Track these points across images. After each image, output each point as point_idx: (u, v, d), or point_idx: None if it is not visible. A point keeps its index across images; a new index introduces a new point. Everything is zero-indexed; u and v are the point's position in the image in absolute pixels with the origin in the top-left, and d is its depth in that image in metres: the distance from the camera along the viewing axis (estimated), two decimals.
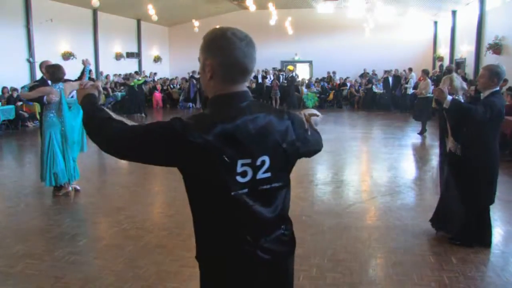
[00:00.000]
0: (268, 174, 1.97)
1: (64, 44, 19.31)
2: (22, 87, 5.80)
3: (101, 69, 21.17)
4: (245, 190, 1.89)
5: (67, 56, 19.14)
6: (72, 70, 17.77)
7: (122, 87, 21.25)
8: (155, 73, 25.85)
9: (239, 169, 1.84)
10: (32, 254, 4.96)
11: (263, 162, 1.92)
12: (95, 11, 20.95)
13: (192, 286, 4.28)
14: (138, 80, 19.52)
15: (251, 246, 1.97)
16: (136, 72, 21.10)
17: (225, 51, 1.86)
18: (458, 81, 5.28)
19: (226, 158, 1.78)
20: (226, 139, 1.77)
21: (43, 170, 7.02)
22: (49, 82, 7.11)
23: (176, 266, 4.65)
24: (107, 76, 21.51)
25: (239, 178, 1.85)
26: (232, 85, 1.89)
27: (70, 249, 5.09)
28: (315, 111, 2.29)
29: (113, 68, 22.41)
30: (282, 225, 2.22)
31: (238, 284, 2.04)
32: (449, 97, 4.83)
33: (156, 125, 1.82)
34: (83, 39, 20.66)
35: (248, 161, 1.86)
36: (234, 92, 1.89)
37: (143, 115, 18.87)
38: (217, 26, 1.97)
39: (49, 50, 18.15)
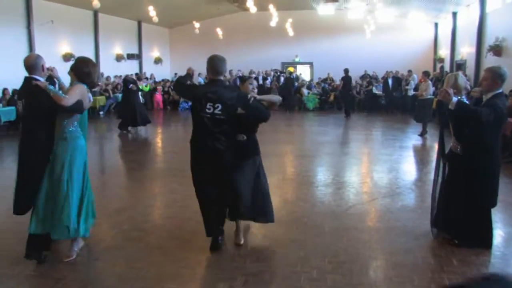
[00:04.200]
0: (220, 112, 4.65)
1: (65, 46, 19.30)
2: (52, 90, 4.22)
3: (101, 70, 21.16)
4: (208, 115, 4.67)
5: (68, 57, 19.11)
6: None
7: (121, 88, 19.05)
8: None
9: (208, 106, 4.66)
10: None
11: (218, 106, 4.64)
12: (95, 13, 20.95)
13: (191, 287, 4.29)
14: (145, 86, 18.15)
15: (205, 140, 4.75)
16: (136, 75, 20.88)
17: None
18: (462, 80, 5.22)
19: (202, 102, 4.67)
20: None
21: (81, 217, 4.80)
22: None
23: (176, 267, 4.65)
24: (107, 78, 21.50)
25: (207, 110, 4.67)
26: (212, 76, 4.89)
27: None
28: (272, 98, 5.41)
29: (113, 69, 22.39)
30: (223, 137, 4.74)
31: (195, 159, 4.92)
32: (455, 98, 4.82)
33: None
34: (84, 41, 20.64)
35: (211, 103, 4.66)
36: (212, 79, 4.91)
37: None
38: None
39: (50, 52, 18.13)
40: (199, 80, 23.43)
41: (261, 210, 5.26)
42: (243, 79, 5.09)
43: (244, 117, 4.83)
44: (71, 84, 4.92)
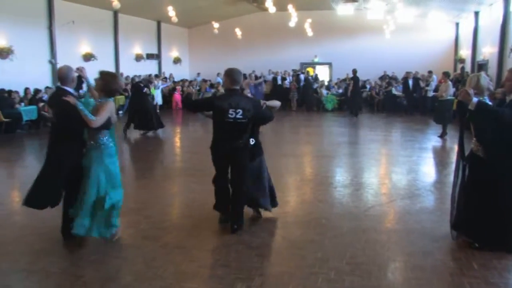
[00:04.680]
0: (241, 116, 5.44)
1: (85, 46, 19.52)
2: (82, 110, 4.81)
3: (121, 70, 21.35)
4: (231, 120, 5.45)
5: (88, 57, 19.35)
6: (93, 71, 18.07)
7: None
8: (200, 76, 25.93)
9: (230, 112, 5.44)
10: (54, 252, 5.02)
11: (239, 111, 5.44)
12: (115, 13, 21.13)
13: (209, 286, 4.30)
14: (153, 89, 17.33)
15: (226, 141, 5.52)
16: (156, 75, 20.96)
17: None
18: (485, 80, 5.09)
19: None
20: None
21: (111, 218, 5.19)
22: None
23: (194, 267, 4.67)
24: (127, 78, 21.68)
25: (229, 116, 5.44)
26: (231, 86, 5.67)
27: (90, 248, 5.14)
28: (275, 103, 6.12)
29: (133, 69, 22.55)
30: (242, 137, 5.52)
31: (218, 155, 5.66)
32: (475, 99, 4.75)
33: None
34: (104, 41, 20.86)
35: (233, 110, 5.44)
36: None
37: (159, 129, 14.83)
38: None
39: (71, 52, 18.40)
40: (217, 80, 23.52)
41: (272, 199, 6.17)
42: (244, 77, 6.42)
43: (255, 119, 5.67)
44: (99, 98, 5.20)
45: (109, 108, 5.03)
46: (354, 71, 19.93)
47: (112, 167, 5.16)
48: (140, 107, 14.23)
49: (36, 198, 5.17)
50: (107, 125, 5.07)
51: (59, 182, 5.15)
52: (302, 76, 23.63)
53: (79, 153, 5.19)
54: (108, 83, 5.13)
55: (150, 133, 14.50)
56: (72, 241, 5.23)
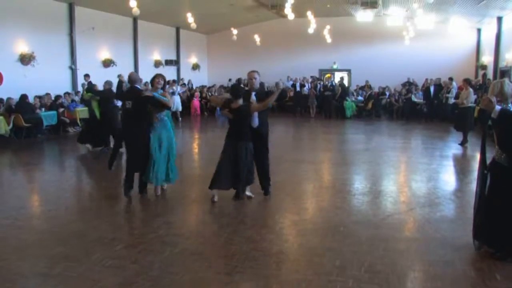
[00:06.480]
0: None
1: (105, 52, 19.76)
2: (159, 97, 7.03)
3: (140, 76, 21.49)
4: None
5: (107, 63, 19.57)
6: (111, 77, 18.34)
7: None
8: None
9: None
10: (71, 256, 5.05)
11: None
12: (135, 20, 21.37)
13: None
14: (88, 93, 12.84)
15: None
16: (173, 81, 21.16)
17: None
18: (509, 87, 4.95)
19: None
20: None
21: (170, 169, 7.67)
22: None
23: (211, 273, 4.65)
24: (145, 83, 21.83)
25: None
26: None
27: (107, 253, 5.16)
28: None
29: (152, 75, 22.67)
30: None
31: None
32: (498, 107, 4.66)
33: None
34: (123, 47, 21.11)
35: None
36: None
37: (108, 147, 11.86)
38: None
39: (91, 58, 18.65)
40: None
41: None
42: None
43: None
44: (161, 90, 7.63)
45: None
46: (341, 79, 22.86)
47: (167, 135, 7.54)
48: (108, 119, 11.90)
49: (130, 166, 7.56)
50: (170, 107, 7.68)
51: (142, 151, 7.32)
52: (333, 83, 23.64)
53: (148, 129, 7.40)
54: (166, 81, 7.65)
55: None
56: (90, 245, 5.27)
